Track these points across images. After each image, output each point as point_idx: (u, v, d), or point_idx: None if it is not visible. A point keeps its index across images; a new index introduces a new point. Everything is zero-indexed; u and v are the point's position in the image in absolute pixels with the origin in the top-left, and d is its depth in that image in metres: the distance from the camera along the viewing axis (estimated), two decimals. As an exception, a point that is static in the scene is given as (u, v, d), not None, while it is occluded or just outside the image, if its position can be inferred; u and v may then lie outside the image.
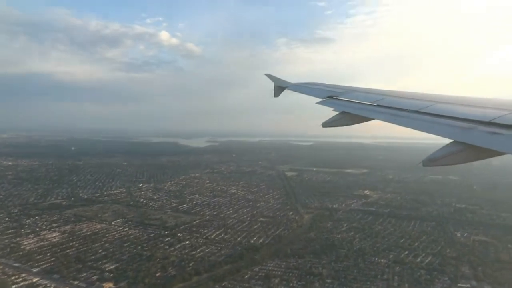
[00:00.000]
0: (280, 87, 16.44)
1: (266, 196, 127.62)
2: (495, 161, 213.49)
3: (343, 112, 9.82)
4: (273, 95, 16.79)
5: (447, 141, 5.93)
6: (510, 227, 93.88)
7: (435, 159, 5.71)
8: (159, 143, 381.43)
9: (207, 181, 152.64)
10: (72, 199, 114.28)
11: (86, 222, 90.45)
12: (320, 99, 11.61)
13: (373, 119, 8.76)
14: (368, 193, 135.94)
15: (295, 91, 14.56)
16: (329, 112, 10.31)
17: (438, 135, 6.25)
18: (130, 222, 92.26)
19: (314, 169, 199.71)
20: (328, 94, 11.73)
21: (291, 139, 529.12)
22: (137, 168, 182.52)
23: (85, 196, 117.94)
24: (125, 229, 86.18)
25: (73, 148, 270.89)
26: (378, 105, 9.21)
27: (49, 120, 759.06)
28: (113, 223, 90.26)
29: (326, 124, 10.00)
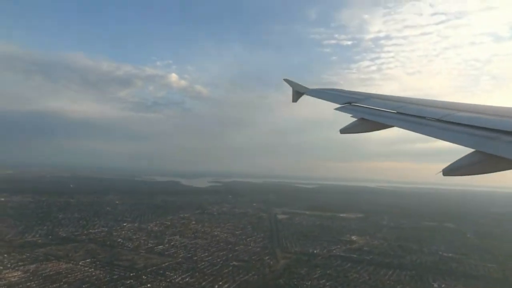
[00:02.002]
0: (298, 92, 16.48)
1: (248, 239, 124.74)
2: (494, 208, 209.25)
3: (362, 119, 9.60)
4: (291, 100, 16.92)
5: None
6: (493, 279, 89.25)
7: (455, 169, 5.63)
8: (161, 182, 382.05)
9: (193, 222, 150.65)
10: (50, 237, 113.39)
11: (53, 261, 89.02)
12: (339, 105, 11.41)
13: (392, 126, 8.58)
14: (355, 239, 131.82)
15: (314, 96, 14.51)
16: (346, 120, 10.02)
17: (459, 144, 6.10)
18: (98, 262, 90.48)
19: (307, 212, 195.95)
20: (347, 100, 11.51)
21: (296, 181, 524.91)
22: (128, 207, 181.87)
23: (64, 235, 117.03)
24: (90, 270, 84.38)
25: (71, 185, 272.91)
26: (397, 113, 9.03)
27: (58, 157, 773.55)
28: (80, 263, 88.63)
29: (344, 131, 9.80)
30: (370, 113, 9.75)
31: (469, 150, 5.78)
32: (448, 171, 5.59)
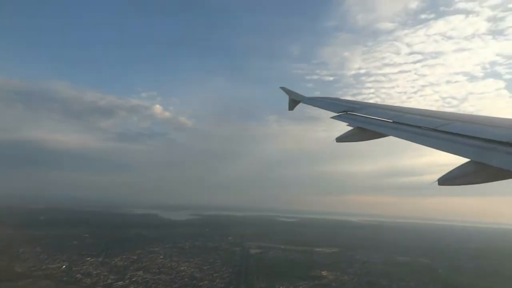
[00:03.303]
0: (294, 100, 16.29)
1: (215, 274, 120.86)
2: (472, 243, 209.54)
3: (358, 128, 9.46)
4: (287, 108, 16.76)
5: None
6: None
7: (451, 179, 5.50)
8: (138, 215, 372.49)
9: (161, 257, 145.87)
10: (3, 273, 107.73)
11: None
12: (335, 114, 11.28)
13: (388, 135, 8.42)
14: (324, 274, 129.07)
15: (310, 105, 14.31)
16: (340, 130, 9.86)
17: (455, 154, 5.97)
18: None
19: (282, 246, 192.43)
20: (343, 109, 11.34)
21: (278, 215, 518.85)
22: (96, 240, 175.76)
23: (19, 270, 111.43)
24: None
25: (42, 217, 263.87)
26: (394, 122, 8.87)
27: (36, 187, 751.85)
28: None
29: (340, 139, 9.61)
30: (366, 122, 9.70)
31: (462, 161, 5.70)
32: (444, 181, 5.50)
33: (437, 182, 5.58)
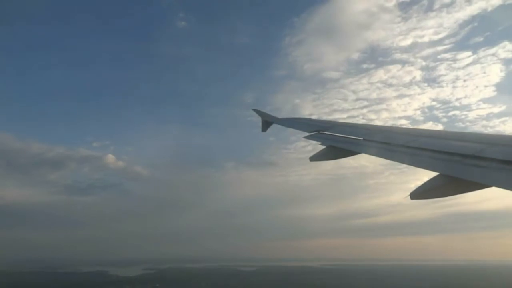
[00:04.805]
0: (267, 122, 16.28)
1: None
2: (428, 281, 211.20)
3: (330, 146, 9.57)
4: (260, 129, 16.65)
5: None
6: None
7: (422, 192, 5.64)
8: (85, 273, 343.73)
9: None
10: None
11: None
12: (308, 133, 11.39)
13: (359, 153, 8.60)
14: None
15: (283, 125, 14.48)
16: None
17: (424, 168, 6.12)
18: None
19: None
20: (316, 129, 11.46)
21: (239, 264, 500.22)
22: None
23: None
24: None
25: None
26: (364, 139, 9.02)
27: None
28: None
29: (313, 158, 9.72)
30: (338, 141, 9.87)
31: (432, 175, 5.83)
32: (416, 195, 5.62)
33: (409, 196, 5.72)
